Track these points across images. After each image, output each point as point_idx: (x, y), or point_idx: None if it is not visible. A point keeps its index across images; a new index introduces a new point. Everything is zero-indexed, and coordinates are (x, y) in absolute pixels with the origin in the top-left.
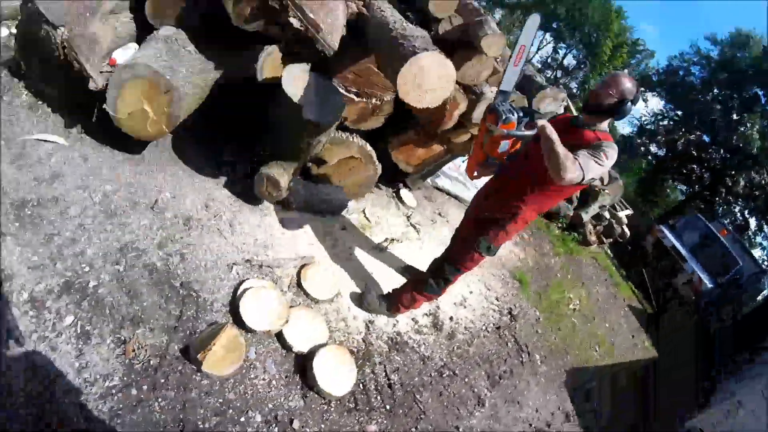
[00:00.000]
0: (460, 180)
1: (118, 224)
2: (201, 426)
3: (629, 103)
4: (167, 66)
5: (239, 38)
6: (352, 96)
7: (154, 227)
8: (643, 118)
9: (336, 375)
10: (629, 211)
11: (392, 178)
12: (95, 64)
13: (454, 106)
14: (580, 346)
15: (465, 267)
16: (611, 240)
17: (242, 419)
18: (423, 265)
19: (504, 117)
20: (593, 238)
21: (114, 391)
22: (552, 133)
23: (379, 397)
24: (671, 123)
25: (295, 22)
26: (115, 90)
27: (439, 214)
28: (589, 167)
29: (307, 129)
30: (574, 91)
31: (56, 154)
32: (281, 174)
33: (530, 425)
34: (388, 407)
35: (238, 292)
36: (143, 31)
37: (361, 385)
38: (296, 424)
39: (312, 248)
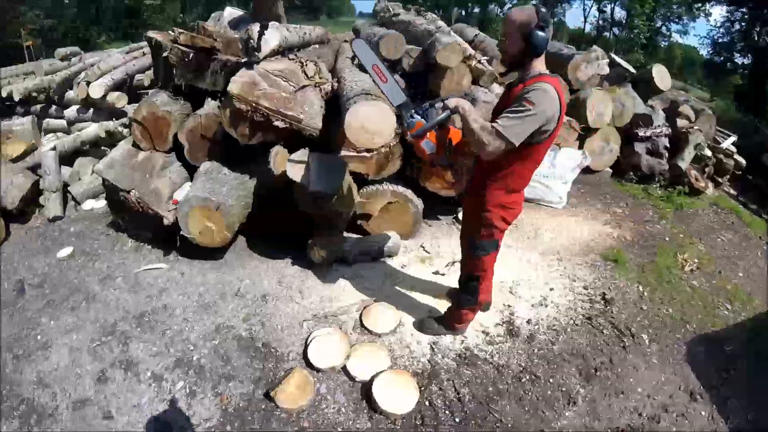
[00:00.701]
0: None
1: (212, 312)
2: None
3: (536, 31)
4: (211, 190)
5: (256, 151)
6: (364, 154)
7: (239, 308)
8: (712, 32)
9: (396, 395)
10: (733, 138)
11: (447, 206)
12: (164, 207)
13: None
14: (704, 309)
15: (478, 272)
16: (727, 176)
17: None
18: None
19: (407, 123)
20: (702, 183)
21: (213, 429)
22: (465, 108)
23: (447, 412)
24: (742, 24)
25: (279, 124)
26: (183, 220)
27: None
28: (513, 129)
29: (318, 199)
30: (642, 36)
31: (161, 277)
32: (325, 239)
33: (640, 414)
34: (457, 420)
35: (308, 342)
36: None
37: (427, 402)
38: None
39: (373, 291)
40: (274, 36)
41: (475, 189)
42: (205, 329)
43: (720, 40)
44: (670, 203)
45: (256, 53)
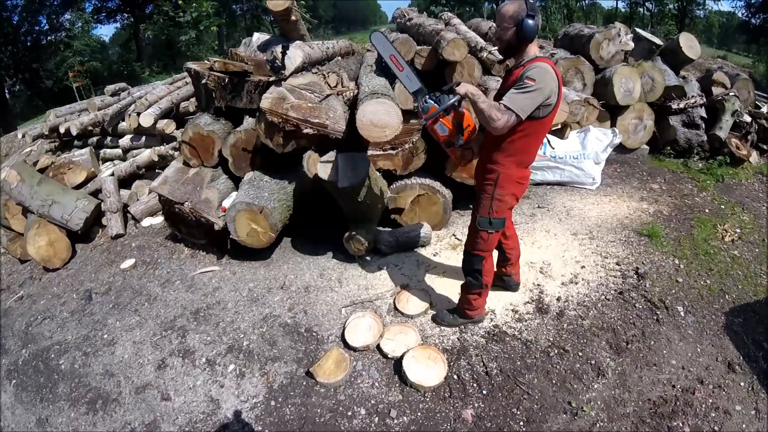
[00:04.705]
0: (551, 165)
1: (260, 304)
2: (318, 420)
3: (526, 19)
4: (254, 196)
5: (293, 158)
6: (390, 151)
7: (284, 299)
8: None
9: (425, 369)
10: None
11: None
12: (214, 215)
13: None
14: (745, 279)
15: (481, 251)
16: None
17: (349, 413)
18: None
19: (421, 108)
20: (744, 151)
21: (259, 404)
22: (473, 92)
23: (475, 385)
24: None
25: (308, 131)
26: (231, 224)
27: (539, 206)
28: (520, 103)
29: (348, 194)
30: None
31: (215, 277)
32: (360, 232)
33: (673, 386)
34: (484, 392)
35: (345, 325)
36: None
37: (456, 376)
38: (393, 413)
39: (406, 278)
40: (297, 54)
41: (485, 168)
42: (253, 319)
43: (753, 1)
44: (711, 175)
45: (282, 71)
